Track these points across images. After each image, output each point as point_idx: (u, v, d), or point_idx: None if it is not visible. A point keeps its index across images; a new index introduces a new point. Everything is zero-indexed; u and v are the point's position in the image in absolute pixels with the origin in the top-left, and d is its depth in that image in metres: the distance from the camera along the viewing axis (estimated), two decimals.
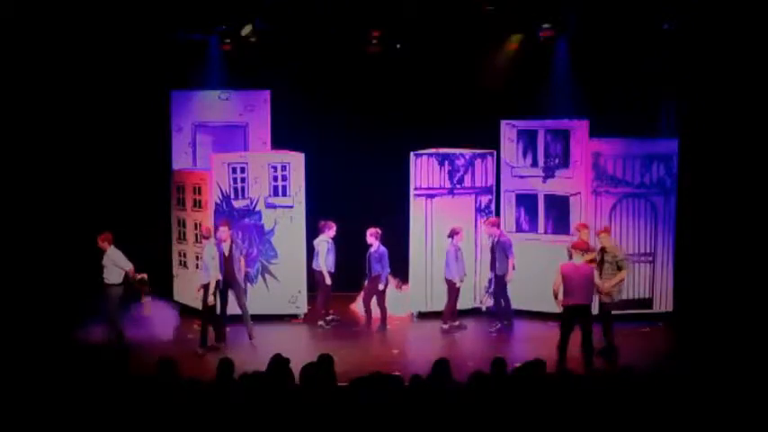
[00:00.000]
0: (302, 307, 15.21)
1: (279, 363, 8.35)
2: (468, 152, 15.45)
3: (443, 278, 14.48)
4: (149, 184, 15.84)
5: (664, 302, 15.05)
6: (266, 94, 16.04)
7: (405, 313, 15.09)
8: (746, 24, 14.50)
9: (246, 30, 15.62)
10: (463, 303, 14.86)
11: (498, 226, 14.58)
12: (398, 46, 16.50)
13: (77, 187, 15.29)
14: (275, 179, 15.10)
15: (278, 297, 15.06)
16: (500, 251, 14.33)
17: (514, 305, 15.33)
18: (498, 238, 14.37)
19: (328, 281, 14.68)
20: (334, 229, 14.74)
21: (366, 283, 14.68)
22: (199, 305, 13.61)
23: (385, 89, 16.68)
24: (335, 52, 16.28)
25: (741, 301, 14.34)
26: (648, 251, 14.94)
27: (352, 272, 15.17)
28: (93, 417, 7.80)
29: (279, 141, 15.89)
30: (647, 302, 15.01)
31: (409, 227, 15.24)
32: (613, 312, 13.13)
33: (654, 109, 15.93)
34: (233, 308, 13.95)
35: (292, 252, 15.16)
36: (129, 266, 13.06)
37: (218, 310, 13.54)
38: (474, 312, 15.28)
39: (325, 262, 14.69)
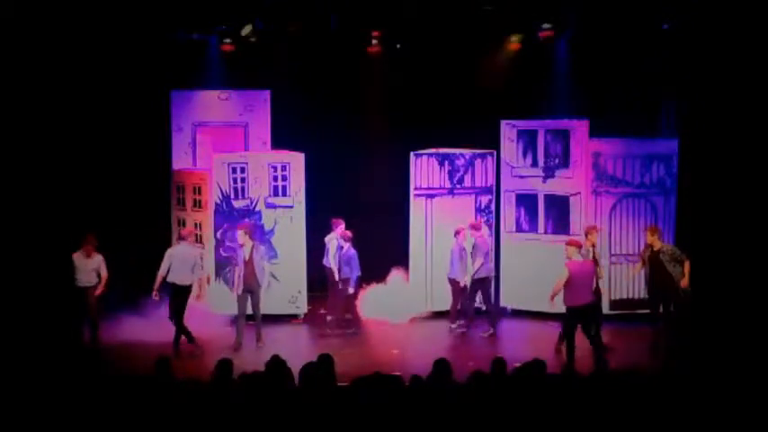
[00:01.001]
0: (302, 307, 15.21)
1: (278, 363, 8.34)
2: (468, 152, 15.45)
3: (447, 278, 14.49)
4: (149, 184, 15.83)
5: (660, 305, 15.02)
6: (266, 94, 16.04)
7: (406, 320, 14.96)
8: (746, 24, 14.49)
9: (246, 30, 15.62)
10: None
11: (478, 228, 14.54)
12: (398, 46, 16.51)
13: (77, 187, 15.27)
14: (275, 179, 15.09)
15: (278, 297, 15.05)
16: (474, 253, 14.36)
17: (514, 305, 15.38)
18: (475, 240, 14.37)
19: (336, 277, 14.72)
20: (341, 226, 14.75)
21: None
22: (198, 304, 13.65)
23: (385, 89, 16.68)
24: (335, 52, 16.28)
25: (741, 300, 14.33)
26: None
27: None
28: (90, 416, 7.80)
29: (279, 141, 15.89)
30: (647, 302, 14.99)
31: (409, 227, 15.23)
32: (613, 312, 13.19)
33: (654, 109, 15.93)
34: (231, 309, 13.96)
35: (292, 252, 15.15)
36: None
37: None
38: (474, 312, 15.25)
39: (335, 259, 14.71)
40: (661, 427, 7.77)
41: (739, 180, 15.21)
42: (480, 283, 14.35)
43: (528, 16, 15.60)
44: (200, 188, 15.32)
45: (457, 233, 14.38)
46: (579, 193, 14.95)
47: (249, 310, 13.71)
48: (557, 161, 15.07)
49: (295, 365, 8.33)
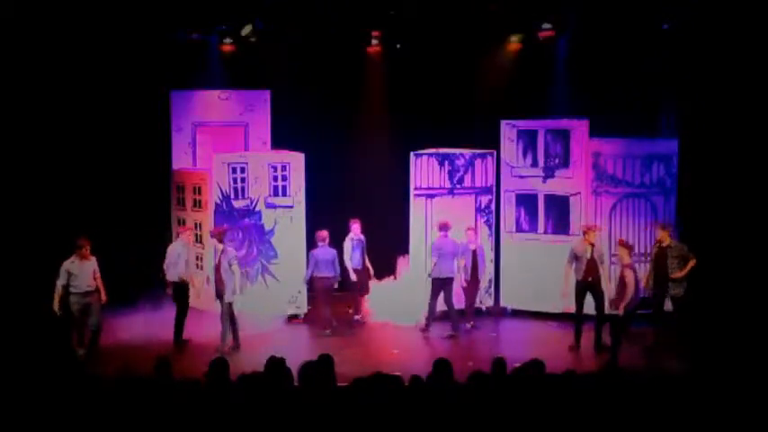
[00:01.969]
0: (302, 307, 15.21)
1: (277, 363, 8.34)
2: (468, 152, 15.45)
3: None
4: (149, 183, 15.83)
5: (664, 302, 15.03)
6: (266, 94, 16.06)
7: (413, 323, 14.89)
8: (746, 24, 14.49)
9: (246, 30, 15.63)
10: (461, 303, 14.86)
11: (444, 229, 14.52)
12: (398, 46, 16.51)
13: (77, 187, 15.28)
14: (275, 179, 15.10)
15: (278, 297, 15.05)
16: (432, 252, 14.44)
17: (515, 305, 15.37)
18: (436, 240, 14.47)
19: (353, 277, 14.85)
20: (354, 226, 14.86)
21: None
22: (200, 305, 13.64)
23: (385, 89, 16.68)
24: (335, 52, 16.29)
25: (741, 300, 14.33)
26: (648, 251, 14.91)
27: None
28: (91, 417, 7.80)
29: (279, 141, 15.90)
30: (647, 302, 14.99)
31: (409, 227, 15.23)
32: (614, 312, 13.23)
33: (654, 109, 15.92)
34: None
35: (292, 252, 15.16)
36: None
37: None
38: (474, 312, 15.24)
39: (350, 259, 14.80)
40: (661, 427, 7.77)
41: (739, 180, 15.21)
42: (441, 283, 14.32)
43: (528, 16, 15.60)
44: (200, 188, 15.33)
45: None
46: (579, 193, 14.95)
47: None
48: (557, 161, 15.07)
49: (295, 365, 8.33)
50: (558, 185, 15.09)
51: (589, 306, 13.54)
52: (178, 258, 13.53)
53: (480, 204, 15.46)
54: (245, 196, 15.01)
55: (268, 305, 14.88)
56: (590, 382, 8.24)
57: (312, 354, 8.71)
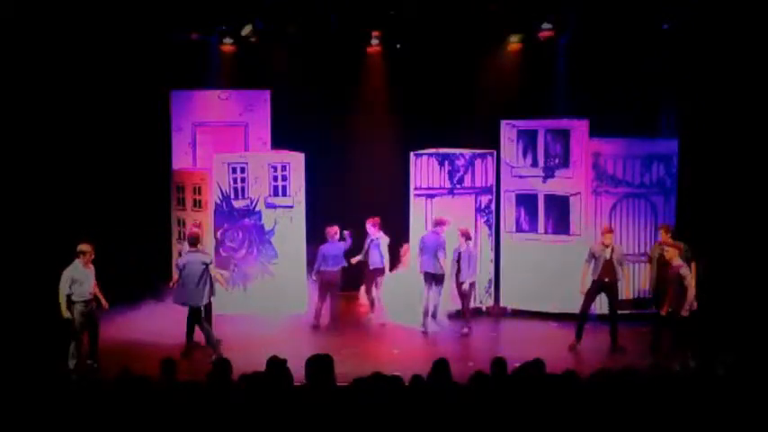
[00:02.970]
0: (303, 307, 15.21)
1: (277, 363, 8.34)
2: (468, 152, 15.44)
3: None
4: (149, 184, 15.84)
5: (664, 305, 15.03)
6: (266, 94, 16.06)
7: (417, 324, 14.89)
8: (746, 24, 14.49)
9: (246, 30, 15.63)
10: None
11: (438, 225, 14.51)
12: (398, 46, 16.51)
13: (77, 187, 15.29)
14: (275, 179, 15.11)
15: (278, 297, 15.05)
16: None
17: (515, 305, 15.37)
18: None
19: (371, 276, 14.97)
20: (369, 226, 14.88)
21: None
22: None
23: (385, 89, 16.68)
24: (335, 52, 16.29)
25: (741, 300, 14.33)
26: (648, 251, 14.93)
27: (351, 270, 15.20)
28: (91, 417, 7.80)
29: (279, 141, 15.90)
30: (648, 302, 15.00)
31: (409, 227, 15.23)
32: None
33: (654, 109, 15.92)
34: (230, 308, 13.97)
35: (292, 252, 15.16)
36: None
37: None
38: (474, 312, 15.24)
39: (369, 258, 14.86)
40: (661, 426, 7.77)
41: (739, 180, 15.22)
42: (424, 278, 14.37)
43: (528, 16, 15.60)
44: (200, 188, 15.34)
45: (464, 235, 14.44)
46: (579, 193, 14.95)
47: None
48: (557, 161, 15.06)
49: (295, 365, 8.33)
50: (558, 185, 15.08)
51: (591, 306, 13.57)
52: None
53: (480, 204, 15.46)
54: (245, 196, 15.01)
55: (268, 305, 14.89)
56: (590, 382, 8.24)
57: (312, 353, 8.70)
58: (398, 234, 15.36)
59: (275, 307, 14.90)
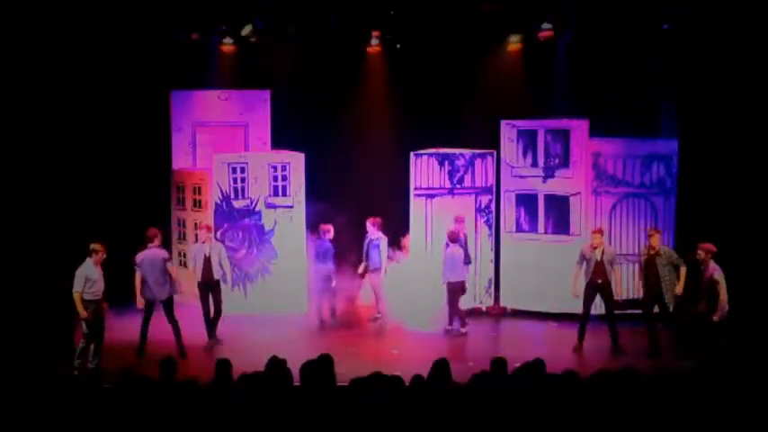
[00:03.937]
0: (303, 307, 15.21)
1: (277, 363, 8.34)
2: (468, 152, 15.45)
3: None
4: (149, 184, 15.84)
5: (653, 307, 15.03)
6: (266, 94, 16.07)
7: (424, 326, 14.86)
8: (746, 24, 14.48)
9: (246, 30, 15.64)
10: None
11: (376, 226, 14.73)
12: (398, 46, 16.51)
13: (77, 187, 15.28)
14: (275, 179, 15.11)
15: (278, 297, 15.06)
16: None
17: (515, 305, 15.37)
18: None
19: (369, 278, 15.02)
20: (369, 225, 14.88)
21: None
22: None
23: (385, 89, 16.68)
24: (335, 52, 16.29)
25: (741, 300, 14.31)
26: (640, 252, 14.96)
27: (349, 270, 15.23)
28: (92, 417, 7.81)
29: (279, 141, 15.90)
30: (641, 303, 14.99)
31: (409, 227, 15.23)
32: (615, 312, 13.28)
33: (654, 109, 15.92)
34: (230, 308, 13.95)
35: (292, 252, 15.17)
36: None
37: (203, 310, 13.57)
38: (474, 312, 15.24)
39: (367, 260, 14.89)
40: (660, 427, 7.77)
41: (739, 180, 15.21)
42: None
43: (528, 16, 15.60)
44: (200, 188, 15.34)
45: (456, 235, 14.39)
46: (579, 193, 14.95)
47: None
48: (557, 161, 15.06)
49: (295, 366, 8.33)
50: (557, 185, 15.09)
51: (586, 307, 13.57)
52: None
53: (480, 204, 15.46)
54: (245, 196, 15.02)
55: (268, 305, 14.89)
56: (590, 382, 8.24)
57: (312, 353, 8.70)
58: (399, 234, 15.35)
59: (275, 307, 14.90)
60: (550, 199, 15.15)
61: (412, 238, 15.18)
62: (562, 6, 15.38)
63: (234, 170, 14.98)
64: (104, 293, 12.42)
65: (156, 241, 13.11)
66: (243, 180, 15.01)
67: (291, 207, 15.18)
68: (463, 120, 16.30)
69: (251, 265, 15.07)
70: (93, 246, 12.32)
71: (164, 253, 13.20)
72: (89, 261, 12.27)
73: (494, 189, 15.52)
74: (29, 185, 14.96)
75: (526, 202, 15.35)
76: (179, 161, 15.91)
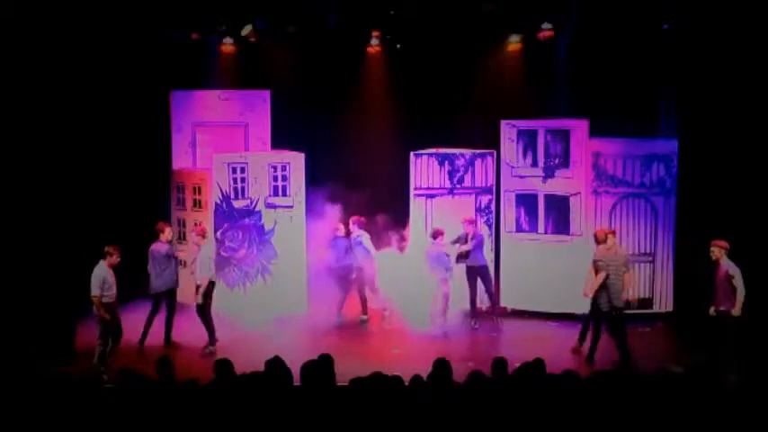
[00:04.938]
0: (303, 307, 15.21)
1: (278, 363, 8.35)
2: (468, 152, 15.45)
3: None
4: (149, 184, 15.84)
5: (664, 302, 15.05)
6: (266, 94, 16.07)
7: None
8: (746, 24, 14.49)
9: (246, 30, 15.64)
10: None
11: (356, 224, 14.80)
12: (398, 46, 16.52)
13: (77, 187, 15.29)
14: (275, 179, 15.10)
15: (278, 297, 15.06)
16: None
17: (515, 304, 15.37)
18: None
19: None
20: (351, 223, 14.92)
21: None
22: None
23: (385, 89, 16.69)
24: (335, 52, 16.30)
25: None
26: (648, 251, 14.94)
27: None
28: (92, 417, 7.81)
29: (279, 141, 15.90)
30: (647, 302, 15.02)
31: (409, 223, 15.22)
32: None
33: (654, 109, 15.93)
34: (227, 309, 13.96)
35: (292, 252, 15.17)
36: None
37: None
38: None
39: (354, 258, 14.90)
40: (660, 427, 7.78)
41: (739, 180, 15.22)
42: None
43: (528, 16, 15.61)
44: (200, 188, 15.34)
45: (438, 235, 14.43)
46: (579, 193, 14.95)
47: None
48: (557, 161, 15.06)
49: (295, 366, 8.33)
50: (558, 185, 15.08)
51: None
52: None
53: (480, 204, 15.46)
54: (245, 196, 15.01)
55: (268, 305, 14.88)
56: (590, 382, 8.24)
57: (312, 353, 8.71)
58: (398, 235, 15.35)
59: (275, 307, 14.90)
60: (550, 199, 15.14)
61: (412, 239, 15.17)
62: (562, 6, 15.39)
63: (234, 170, 14.96)
64: (117, 297, 12.37)
65: (162, 236, 13.53)
66: (243, 180, 14.99)
67: (291, 207, 15.17)
68: (463, 120, 16.32)
69: (251, 265, 15.06)
70: (107, 248, 12.23)
71: (167, 247, 13.53)
72: (103, 263, 12.17)
73: (494, 189, 15.51)
74: (29, 185, 14.98)
75: (526, 202, 15.34)
76: (179, 161, 15.91)
